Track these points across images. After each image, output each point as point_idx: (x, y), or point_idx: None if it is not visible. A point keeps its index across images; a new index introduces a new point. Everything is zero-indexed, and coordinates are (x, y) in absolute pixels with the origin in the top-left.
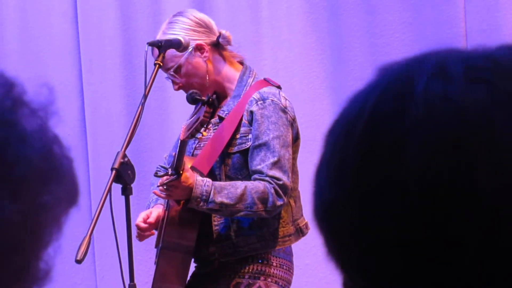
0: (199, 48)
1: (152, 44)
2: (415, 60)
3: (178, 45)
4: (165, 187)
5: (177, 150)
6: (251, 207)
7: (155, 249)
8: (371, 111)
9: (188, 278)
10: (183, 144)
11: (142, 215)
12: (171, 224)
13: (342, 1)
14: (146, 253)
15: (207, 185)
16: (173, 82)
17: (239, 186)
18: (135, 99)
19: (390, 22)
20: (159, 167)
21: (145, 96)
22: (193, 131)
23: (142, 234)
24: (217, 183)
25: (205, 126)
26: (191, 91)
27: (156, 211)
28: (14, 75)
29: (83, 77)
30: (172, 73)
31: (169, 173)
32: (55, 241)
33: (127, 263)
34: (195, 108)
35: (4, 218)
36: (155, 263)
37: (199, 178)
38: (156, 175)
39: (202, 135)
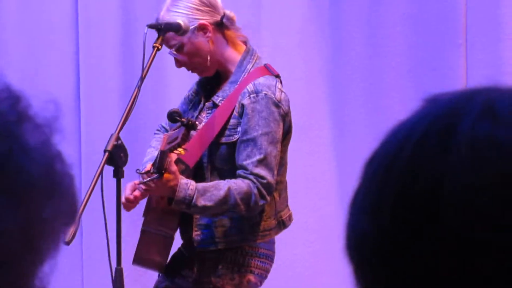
0: (202, 28)
1: (152, 27)
2: (463, 96)
3: (177, 28)
4: (145, 184)
5: (159, 156)
6: (234, 208)
7: (143, 218)
8: (414, 146)
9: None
10: (162, 154)
11: (129, 187)
12: (153, 211)
13: None
14: (134, 236)
15: (191, 189)
16: (176, 60)
17: (223, 187)
18: (131, 80)
19: (391, 13)
20: (159, 126)
21: (142, 79)
22: (171, 148)
23: (129, 205)
24: (200, 185)
25: (182, 147)
26: (172, 110)
27: None
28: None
29: (79, 56)
30: (174, 52)
31: (151, 171)
32: (52, 258)
33: (115, 245)
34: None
35: (4, 229)
36: (141, 232)
37: (183, 181)
38: (137, 172)
39: (180, 153)
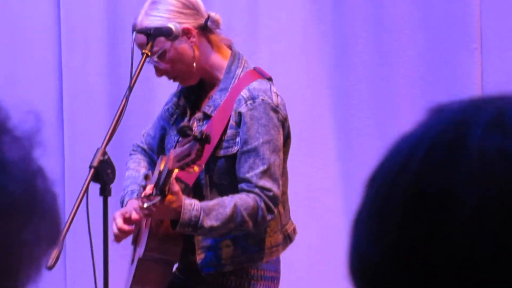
0: (185, 33)
1: (141, 32)
2: (471, 106)
3: (168, 33)
4: (146, 208)
5: (164, 176)
6: (241, 225)
7: (131, 246)
8: (420, 160)
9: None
10: (170, 172)
11: (120, 216)
12: (153, 238)
13: None
14: (123, 260)
15: (196, 209)
16: (156, 69)
17: (228, 204)
18: (119, 89)
19: (399, 16)
20: (135, 146)
21: (130, 88)
22: (182, 165)
23: (122, 236)
24: (205, 204)
25: (197, 163)
26: (182, 124)
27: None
28: None
29: (62, 62)
30: (155, 59)
31: (153, 193)
32: (33, 282)
33: (102, 270)
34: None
35: None
36: (131, 262)
37: (187, 201)
38: (138, 196)
39: (194, 170)
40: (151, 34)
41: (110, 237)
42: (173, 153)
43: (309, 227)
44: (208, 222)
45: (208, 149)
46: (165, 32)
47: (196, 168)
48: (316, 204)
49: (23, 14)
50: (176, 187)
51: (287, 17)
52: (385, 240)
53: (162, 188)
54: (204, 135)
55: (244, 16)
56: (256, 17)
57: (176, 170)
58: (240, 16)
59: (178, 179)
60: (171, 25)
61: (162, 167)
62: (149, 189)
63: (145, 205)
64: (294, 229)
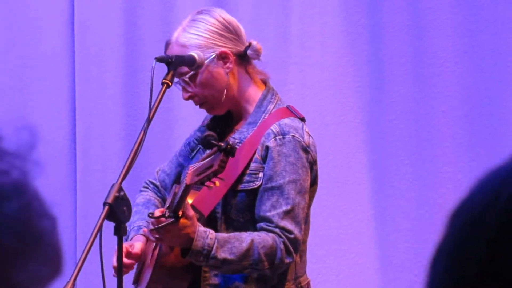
0: (223, 57)
1: (161, 60)
2: None
3: (191, 62)
4: (157, 230)
5: (180, 193)
6: (257, 264)
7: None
8: (509, 198)
9: None
10: (187, 188)
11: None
12: (159, 269)
13: (386, 21)
14: None
15: (210, 238)
16: (184, 90)
17: (245, 239)
18: (136, 120)
19: (441, 49)
20: (147, 182)
21: (149, 120)
22: (203, 179)
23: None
24: (220, 235)
25: (219, 176)
26: (207, 133)
27: (138, 244)
28: None
29: (76, 91)
30: (186, 79)
31: (166, 215)
32: None
33: None
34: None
35: None
36: None
37: (201, 228)
38: (150, 215)
39: (215, 185)
40: (172, 62)
41: (125, 279)
42: (192, 167)
43: (340, 271)
44: (222, 254)
45: (228, 181)
46: (187, 61)
47: (217, 183)
48: (348, 253)
49: (36, 42)
50: (192, 212)
51: (320, 49)
52: (468, 280)
53: (176, 209)
54: (229, 146)
55: (274, 47)
56: (287, 48)
57: (216, 182)
58: (270, 47)
59: (193, 207)
60: (194, 54)
61: (177, 190)
62: (158, 211)
63: (157, 227)
64: (308, 284)
